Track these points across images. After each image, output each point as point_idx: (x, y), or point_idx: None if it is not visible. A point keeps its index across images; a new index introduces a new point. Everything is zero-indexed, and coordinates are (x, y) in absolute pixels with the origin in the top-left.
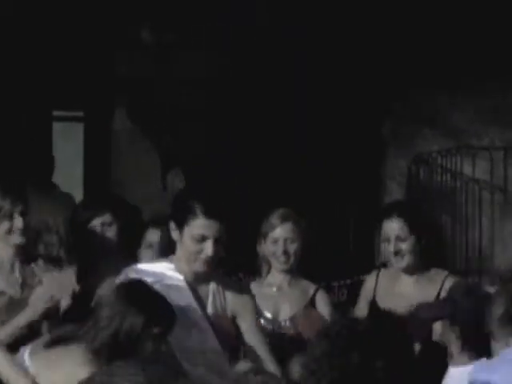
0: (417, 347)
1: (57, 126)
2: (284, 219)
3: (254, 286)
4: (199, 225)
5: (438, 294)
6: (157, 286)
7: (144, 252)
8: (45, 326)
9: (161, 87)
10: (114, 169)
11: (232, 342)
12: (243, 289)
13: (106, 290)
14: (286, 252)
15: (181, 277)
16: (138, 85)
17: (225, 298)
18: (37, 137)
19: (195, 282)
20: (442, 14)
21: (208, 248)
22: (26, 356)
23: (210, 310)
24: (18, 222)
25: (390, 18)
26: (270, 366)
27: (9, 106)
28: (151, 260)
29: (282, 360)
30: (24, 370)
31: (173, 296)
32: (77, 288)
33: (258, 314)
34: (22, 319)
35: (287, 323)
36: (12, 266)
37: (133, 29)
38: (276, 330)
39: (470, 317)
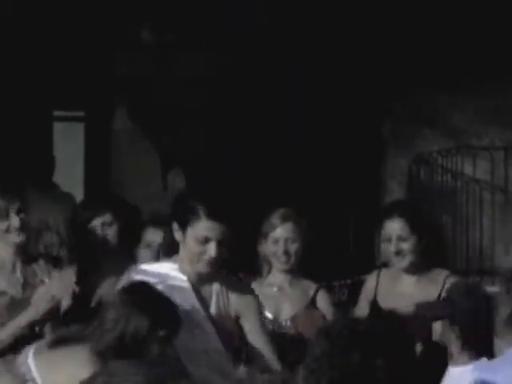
0: (418, 347)
1: (57, 126)
2: (285, 219)
3: (255, 286)
4: (202, 227)
5: (440, 294)
6: (160, 287)
7: (142, 252)
8: (48, 327)
9: (161, 87)
10: (114, 169)
11: (235, 343)
12: (247, 289)
13: (106, 289)
14: (286, 252)
15: (184, 277)
16: (138, 85)
17: (228, 299)
18: (37, 137)
19: (198, 283)
20: (441, 14)
21: (211, 250)
22: (29, 355)
23: (213, 310)
24: (15, 220)
25: (390, 18)
26: (274, 366)
27: (9, 106)
28: (149, 259)
29: (282, 360)
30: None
31: (176, 297)
32: (77, 288)
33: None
34: (23, 319)
35: (288, 323)
36: (13, 266)
37: (133, 29)
38: (277, 329)
39: (470, 317)
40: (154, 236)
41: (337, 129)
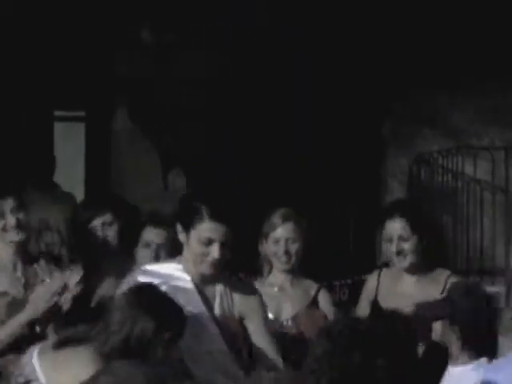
0: (418, 347)
1: (58, 126)
2: (285, 219)
3: (256, 286)
4: (206, 228)
5: (441, 294)
6: (164, 288)
7: (141, 251)
8: (50, 327)
9: (161, 87)
10: (114, 169)
11: (239, 343)
12: (251, 290)
13: (106, 289)
14: (287, 252)
15: (188, 278)
16: (138, 85)
17: (232, 300)
18: (38, 137)
19: (202, 284)
20: (441, 14)
21: (214, 251)
22: (34, 356)
23: (217, 311)
24: (11, 219)
25: (390, 19)
26: (279, 365)
27: (10, 106)
28: (148, 259)
29: (284, 360)
30: None
31: (180, 297)
32: (78, 288)
33: None
34: (22, 318)
35: (289, 323)
36: (14, 266)
37: (133, 29)
38: (278, 329)
39: (470, 317)
40: (152, 236)
41: (337, 129)
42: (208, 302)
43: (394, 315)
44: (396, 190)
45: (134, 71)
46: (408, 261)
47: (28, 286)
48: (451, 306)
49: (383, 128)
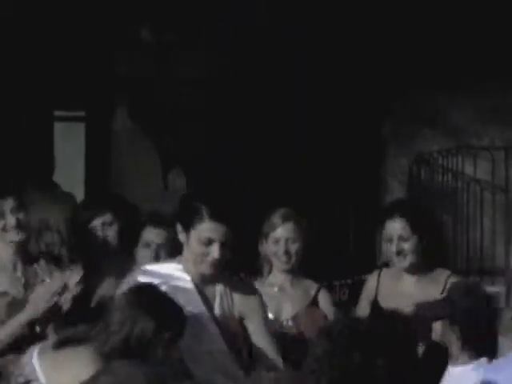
0: (420, 348)
1: (58, 126)
2: (285, 219)
3: (256, 286)
4: (206, 228)
5: (441, 294)
6: (164, 288)
7: (141, 251)
8: (50, 327)
9: (161, 87)
10: (114, 169)
11: (239, 344)
12: (251, 290)
13: (106, 289)
14: (287, 252)
15: (188, 278)
16: (138, 85)
17: (232, 300)
18: (38, 137)
19: (202, 284)
20: (441, 14)
21: (214, 251)
22: (34, 356)
23: (217, 311)
24: (10, 219)
25: (390, 19)
26: (279, 365)
27: (10, 106)
28: (148, 259)
29: (284, 360)
30: None
31: (180, 297)
32: (79, 288)
33: None
34: (22, 318)
35: (289, 323)
36: (14, 266)
37: (133, 29)
38: (278, 329)
39: (470, 317)
40: (152, 236)
41: (337, 129)
42: (208, 302)
43: (394, 315)
44: (396, 190)
45: (134, 71)
46: (408, 261)
47: (28, 286)
48: (451, 306)
49: (383, 128)
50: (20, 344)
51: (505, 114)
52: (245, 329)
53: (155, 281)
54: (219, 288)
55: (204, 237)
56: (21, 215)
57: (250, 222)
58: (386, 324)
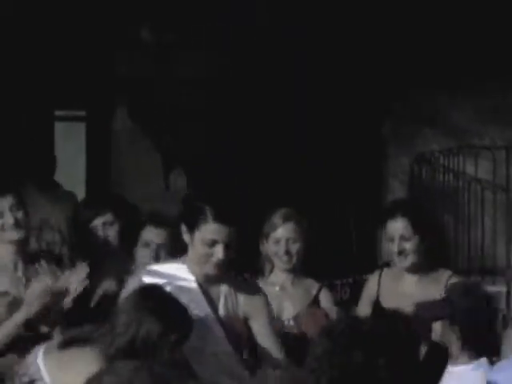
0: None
1: (58, 126)
2: (286, 219)
3: None
4: (210, 229)
5: (443, 294)
6: (168, 288)
7: (140, 251)
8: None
9: (161, 87)
10: (114, 168)
11: (244, 344)
12: (255, 290)
13: (106, 289)
14: (288, 252)
15: (193, 278)
16: (138, 85)
17: (237, 300)
18: (38, 136)
19: (207, 284)
20: (441, 14)
21: (218, 252)
22: (39, 355)
23: (221, 311)
24: (9, 218)
25: (390, 19)
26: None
27: (10, 105)
28: (148, 259)
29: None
30: None
31: (184, 298)
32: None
33: None
34: (18, 317)
35: (291, 322)
36: (15, 266)
37: (133, 29)
38: (279, 329)
39: (470, 317)
40: (152, 235)
41: (337, 129)
42: (212, 303)
43: (396, 315)
44: (397, 190)
45: (134, 71)
46: (409, 260)
47: (29, 286)
48: (451, 307)
49: (383, 128)
50: (23, 344)
51: (505, 113)
52: (249, 329)
53: (160, 281)
54: (224, 288)
55: (208, 238)
56: (20, 214)
57: (251, 222)
58: (388, 324)
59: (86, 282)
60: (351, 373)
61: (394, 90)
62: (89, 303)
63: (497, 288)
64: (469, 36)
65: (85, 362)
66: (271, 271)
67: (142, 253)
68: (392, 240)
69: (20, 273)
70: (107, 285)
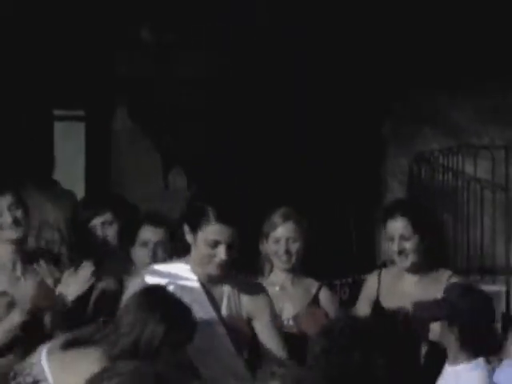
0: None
1: (58, 126)
2: (286, 218)
3: None
4: (212, 230)
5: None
6: (171, 288)
7: (138, 250)
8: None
9: (161, 87)
10: (114, 168)
11: (247, 344)
12: (259, 290)
13: (105, 288)
14: (287, 251)
15: (195, 278)
16: (138, 85)
17: (240, 300)
18: (38, 136)
19: (210, 284)
20: (441, 14)
21: (221, 253)
22: (43, 355)
23: (224, 312)
24: (7, 216)
25: (390, 19)
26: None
27: (9, 105)
28: (146, 258)
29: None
30: None
31: (187, 298)
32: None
33: None
34: (14, 317)
35: (290, 322)
36: (14, 266)
37: (133, 29)
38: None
39: (468, 317)
40: (150, 234)
41: (337, 129)
42: (215, 303)
43: (395, 315)
44: (396, 190)
45: (134, 71)
46: (409, 260)
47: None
48: (449, 307)
49: (383, 128)
50: (19, 344)
51: (505, 113)
52: (253, 329)
53: (162, 281)
54: (227, 289)
55: (211, 239)
56: (18, 213)
57: (251, 222)
58: (387, 324)
59: (92, 281)
60: (350, 372)
61: (394, 90)
62: (88, 302)
63: (496, 287)
64: (469, 36)
65: (88, 363)
66: (271, 271)
67: (139, 252)
68: (392, 240)
69: (18, 272)
70: (106, 284)
